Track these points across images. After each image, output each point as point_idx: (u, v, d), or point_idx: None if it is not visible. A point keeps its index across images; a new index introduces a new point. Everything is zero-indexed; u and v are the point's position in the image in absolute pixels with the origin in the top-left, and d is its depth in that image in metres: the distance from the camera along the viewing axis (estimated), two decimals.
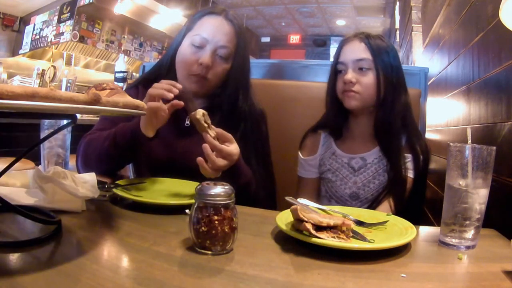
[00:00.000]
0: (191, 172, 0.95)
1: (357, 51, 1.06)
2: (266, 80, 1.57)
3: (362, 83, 1.05)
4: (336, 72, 1.11)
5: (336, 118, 1.14)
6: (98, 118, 1.22)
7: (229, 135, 0.91)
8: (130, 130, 0.95)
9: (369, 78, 1.05)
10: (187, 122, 1.13)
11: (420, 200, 1.11)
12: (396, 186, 1.04)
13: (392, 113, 1.06)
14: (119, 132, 0.98)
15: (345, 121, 1.15)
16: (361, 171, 1.09)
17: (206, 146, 0.86)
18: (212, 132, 0.88)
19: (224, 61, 1.09)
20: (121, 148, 0.98)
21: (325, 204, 1.14)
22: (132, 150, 0.99)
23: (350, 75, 1.05)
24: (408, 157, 1.07)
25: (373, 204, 1.07)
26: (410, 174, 1.06)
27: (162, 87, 0.90)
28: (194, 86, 1.09)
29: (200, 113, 0.86)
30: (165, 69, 1.16)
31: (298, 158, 1.22)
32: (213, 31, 1.07)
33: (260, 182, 1.09)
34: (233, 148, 0.90)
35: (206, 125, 0.87)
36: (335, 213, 0.82)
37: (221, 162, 0.87)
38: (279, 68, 1.65)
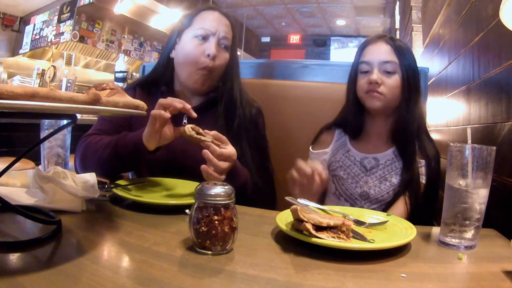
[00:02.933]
0: (191, 172, 0.95)
1: (384, 53, 1.07)
2: (266, 80, 1.57)
3: (387, 85, 1.05)
4: (357, 71, 1.11)
5: (355, 118, 1.14)
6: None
7: (224, 137, 0.91)
8: (133, 142, 0.94)
9: (394, 81, 1.05)
10: (185, 121, 1.13)
11: (430, 206, 1.11)
12: (410, 187, 1.04)
13: (413, 116, 1.07)
14: (120, 142, 0.97)
15: (363, 121, 1.15)
16: (373, 171, 1.09)
17: (206, 152, 0.87)
18: (208, 137, 0.88)
19: (225, 51, 1.13)
20: (122, 159, 0.97)
21: (334, 202, 1.15)
22: (133, 161, 0.99)
23: (376, 76, 1.05)
24: (421, 163, 1.07)
25: (387, 206, 1.06)
26: (423, 180, 1.06)
27: (174, 99, 0.89)
28: (201, 80, 1.10)
29: (188, 128, 0.87)
30: (161, 69, 1.17)
31: (309, 154, 1.21)
32: (215, 23, 1.11)
33: (258, 178, 1.09)
34: (231, 149, 0.91)
35: (199, 136, 0.87)
36: (335, 213, 0.82)
37: (223, 164, 0.88)
38: (279, 68, 1.65)
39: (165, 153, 1.08)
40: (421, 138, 1.09)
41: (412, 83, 1.07)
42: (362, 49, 1.12)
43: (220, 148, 0.88)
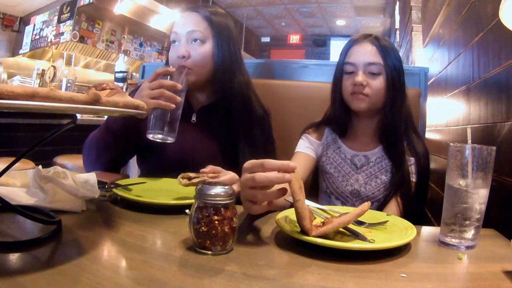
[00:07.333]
0: (197, 168, 0.96)
1: (369, 54, 1.06)
2: (265, 80, 1.57)
3: (372, 87, 1.05)
4: (342, 71, 1.10)
5: (341, 117, 1.14)
6: (98, 118, 1.25)
7: (218, 168, 0.91)
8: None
9: (378, 82, 1.05)
10: (193, 119, 1.16)
11: (421, 203, 1.12)
12: (402, 188, 1.05)
13: (399, 117, 1.07)
14: (111, 118, 1.04)
15: (348, 120, 1.15)
16: (364, 169, 1.10)
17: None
18: (202, 176, 0.85)
19: (200, 44, 1.09)
20: (114, 133, 1.03)
21: (325, 200, 1.15)
22: (126, 135, 1.04)
23: (361, 78, 1.04)
24: (411, 161, 1.07)
25: (379, 204, 1.07)
26: (413, 178, 1.06)
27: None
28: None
29: (179, 180, 0.83)
30: None
31: (299, 142, 1.20)
32: (181, 23, 1.11)
33: None
34: (228, 176, 0.91)
35: (193, 180, 0.83)
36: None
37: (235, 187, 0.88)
38: (279, 68, 1.65)
39: (172, 148, 1.11)
40: (409, 136, 1.10)
41: (397, 84, 1.06)
42: (347, 49, 1.11)
43: (218, 177, 0.88)
